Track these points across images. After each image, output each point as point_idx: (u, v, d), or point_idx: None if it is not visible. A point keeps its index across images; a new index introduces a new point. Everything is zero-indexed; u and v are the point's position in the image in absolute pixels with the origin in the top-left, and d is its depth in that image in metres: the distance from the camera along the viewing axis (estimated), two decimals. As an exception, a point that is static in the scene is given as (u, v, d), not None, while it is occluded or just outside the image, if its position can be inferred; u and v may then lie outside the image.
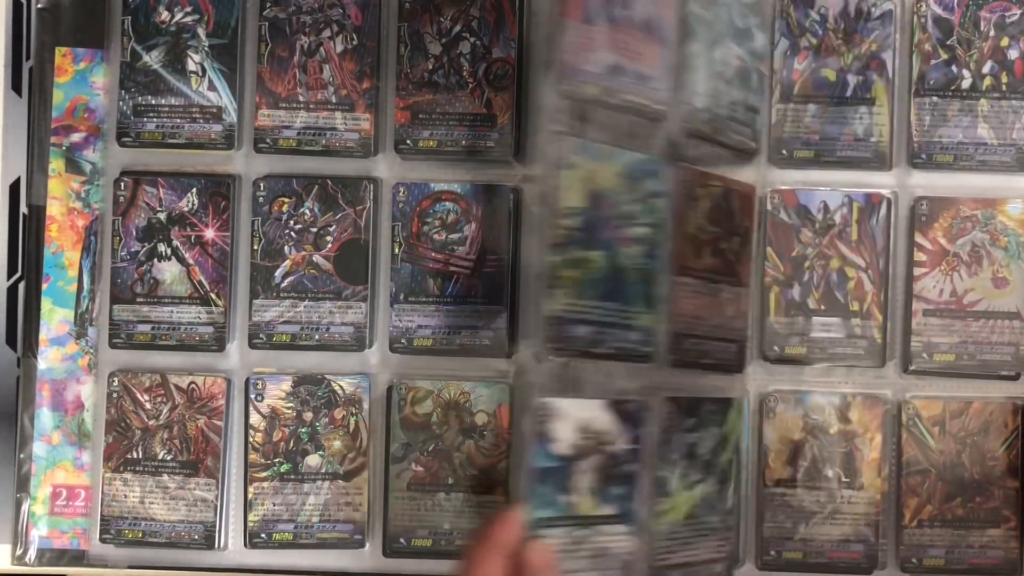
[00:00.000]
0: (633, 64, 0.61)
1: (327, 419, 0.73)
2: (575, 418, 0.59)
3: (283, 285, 0.73)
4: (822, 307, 0.72)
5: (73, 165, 0.75)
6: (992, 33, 0.73)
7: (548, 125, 0.59)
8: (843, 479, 0.72)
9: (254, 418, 0.73)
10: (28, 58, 0.75)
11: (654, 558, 0.62)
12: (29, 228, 0.75)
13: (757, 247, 0.72)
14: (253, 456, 0.73)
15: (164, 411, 0.73)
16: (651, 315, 0.63)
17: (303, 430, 0.73)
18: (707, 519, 0.66)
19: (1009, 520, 0.72)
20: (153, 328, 0.74)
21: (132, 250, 0.74)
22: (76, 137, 0.75)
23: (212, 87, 0.74)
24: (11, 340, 0.75)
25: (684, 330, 0.65)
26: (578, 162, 0.59)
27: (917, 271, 0.72)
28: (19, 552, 0.74)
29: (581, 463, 0.59)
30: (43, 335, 0.74)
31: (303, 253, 0.73)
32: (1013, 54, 0.73)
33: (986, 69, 0.73)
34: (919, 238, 0.73)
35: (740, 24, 0.68)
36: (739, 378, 0.71)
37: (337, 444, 0.73)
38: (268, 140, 0.74)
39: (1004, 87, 0.73)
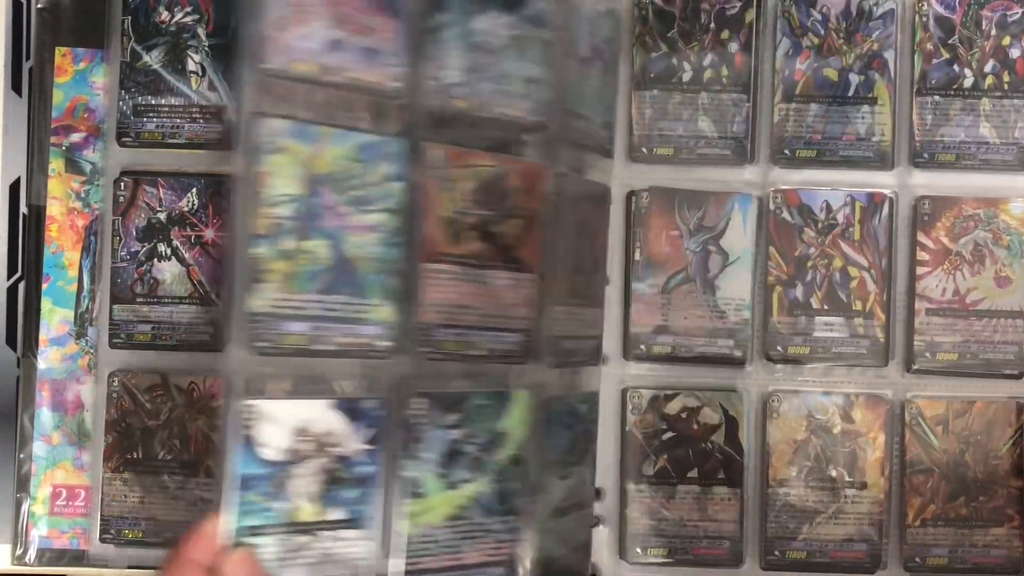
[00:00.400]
0: (359, 38, 0.57)
1: (328, 419, 0.73)
2: (289, 420, 0.55)
3: (284, 285, 0.73)
4: (825, 307, 0.72)
5: (73, 165, 0.75)
6: (994, 32, 0.73)
7: (247, 107, 0.54)
8: (846, 479, 0.72)
9: (254, 418, 0.73)
10: (28, 58, 0.75)
11: (405, 562, 0.59)
12: (29, 228, 0.75)
13: (557, 228, 0.66)
14: (254, 456, 0.73)
15: (164, 411, 0.73)
16: (391, 307, 0.59)
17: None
18: (480, 521, 0.61)
19: (1013, 519, 0.72)
20: (153, 328, 0.73)
21: (132, 250, 0.74)
22: (76, 137, 0.75)
23: (212, 87, 0.74)
24: (11, 340, 0.74)
25: (440, 321, 0.60)
26: (289, 145, 0.55)
27: (919, 270, 0.72)
28: (19, 552, 0.73)
29: (298, 467, 0.55)
30: (43, 335, 0.74)
31: (304, 253, 0.73)
32: (1015, 53, 0.73)
33: (988, 68, 0.73)
34: (921, 237, 0.72)
35: None
36: (524, 370, 0.64)
37: (338, 444, 0.73)
38: (269, 140, 0.73)
39: (1006, 86, 0.73)
